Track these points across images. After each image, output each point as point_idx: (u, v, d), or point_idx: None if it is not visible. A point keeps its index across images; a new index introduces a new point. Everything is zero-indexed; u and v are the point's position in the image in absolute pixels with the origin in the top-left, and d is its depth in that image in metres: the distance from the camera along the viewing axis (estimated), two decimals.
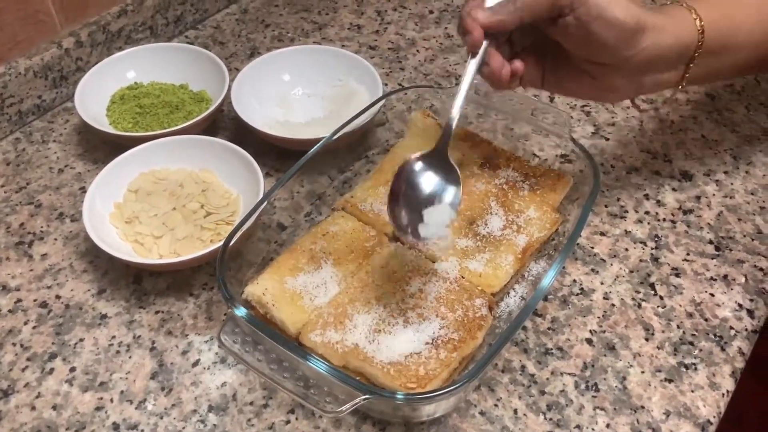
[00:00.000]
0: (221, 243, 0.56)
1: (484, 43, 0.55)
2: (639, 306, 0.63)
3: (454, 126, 0.55)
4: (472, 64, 0.55)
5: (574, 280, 0.65)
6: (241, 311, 0.51)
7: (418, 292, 0.57)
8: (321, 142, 0.65)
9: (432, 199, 0.54)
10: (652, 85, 0.61)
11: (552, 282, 0.54)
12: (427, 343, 0.53)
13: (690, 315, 0.63)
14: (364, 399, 0.47)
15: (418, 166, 0.54)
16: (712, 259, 0.67)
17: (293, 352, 0.49)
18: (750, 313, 0.63)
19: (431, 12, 1.02)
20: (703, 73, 0.61)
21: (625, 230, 0.70)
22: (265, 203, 0.60)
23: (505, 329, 0.53)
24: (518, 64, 0.58)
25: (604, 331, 0.61)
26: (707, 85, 0.87)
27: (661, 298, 0.64)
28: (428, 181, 0.54)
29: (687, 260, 0.67)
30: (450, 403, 0.54)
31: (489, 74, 0.57)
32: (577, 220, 0.58)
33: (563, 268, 0.66)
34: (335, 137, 0.66)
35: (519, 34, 0.59)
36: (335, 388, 0.49)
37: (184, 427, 0.55)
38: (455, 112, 0.55)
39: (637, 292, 0.64)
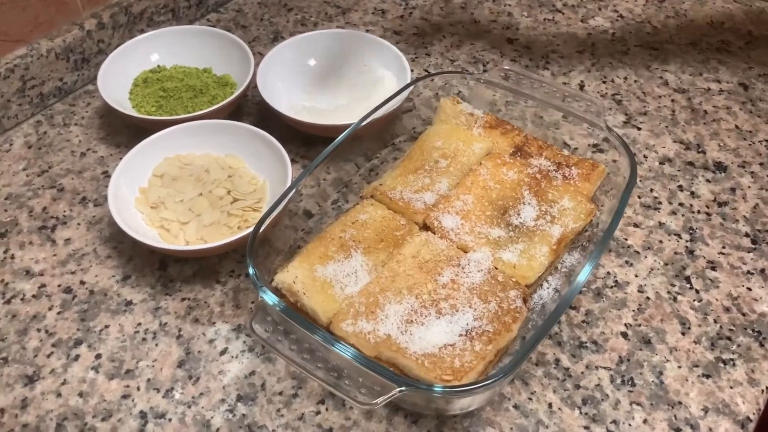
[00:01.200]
0: (249, 230, 0.55)
1: None
2: (674, 299, 0.62)
3: None
4: None
5: (608, 273, 0.64)
6: (274, 300, 0.50)
7: (451, 282, 0.56)
8: (349, 128, 0.64)
9: None
10: None
11: (588, 277, 0.53)
12: (461, 335, 0.52)
13: (727, 309, 0.61)
14: (400, 391, 0.46)
15: None
16: (749, 252, 0.66)
17: (328, 342, 0.48)
18: None
19: None
20: None
21: (659, 222, 0.68)
22: (294, 190, 0.59)
23: (540, 323, 0.51)
24: None
25: (640, 325, 0.60)
26: (740, 74, 0.85)
27: (697, 291, 0.62)
28: None
29: (723, 253, 0.66)
30: (484, 396, 0.53)
31: None
32: (614, 212, 0.57)
33: None
34: (363, 124, 0.64)
35: None
36: (367, 378, 0.48)
37: (212, 417, 0.54)
38: None
39: (673, 285, 0.63)
